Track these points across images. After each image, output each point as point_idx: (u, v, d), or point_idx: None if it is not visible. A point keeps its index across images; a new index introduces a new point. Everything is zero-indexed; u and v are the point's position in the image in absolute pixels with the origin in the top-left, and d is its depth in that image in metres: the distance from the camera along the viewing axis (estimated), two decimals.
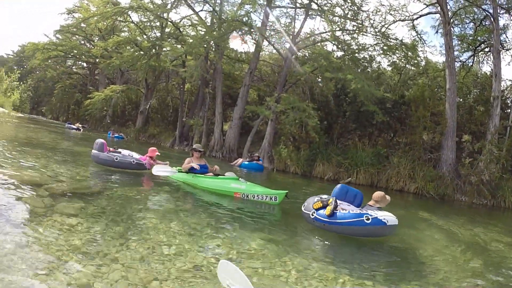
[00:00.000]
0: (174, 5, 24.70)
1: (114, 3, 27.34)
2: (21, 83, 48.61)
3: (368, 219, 4.52)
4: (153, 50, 25.01)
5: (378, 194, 5.09)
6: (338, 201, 5.03)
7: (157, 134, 27.79)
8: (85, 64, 41.48)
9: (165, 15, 25.87)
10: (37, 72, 46.78)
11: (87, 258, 2.95)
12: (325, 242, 4.67)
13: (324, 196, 5.21)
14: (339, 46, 18.54)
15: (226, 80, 22.09)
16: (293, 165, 15.99)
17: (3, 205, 3.97)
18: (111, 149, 8.73)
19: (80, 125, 28.48)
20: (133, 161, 8.12)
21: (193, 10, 24.14)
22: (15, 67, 52.67)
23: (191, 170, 7.49)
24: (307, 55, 19.95)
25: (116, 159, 8.04)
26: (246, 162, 14.95)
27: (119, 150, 8.95)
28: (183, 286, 2.76)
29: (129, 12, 26.49)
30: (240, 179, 7.10)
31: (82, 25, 32.71)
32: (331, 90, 17.31)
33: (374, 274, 3.62)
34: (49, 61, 39.19)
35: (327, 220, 4.79)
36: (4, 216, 3.60)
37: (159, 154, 9.08)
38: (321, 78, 18.10)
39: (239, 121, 19.56)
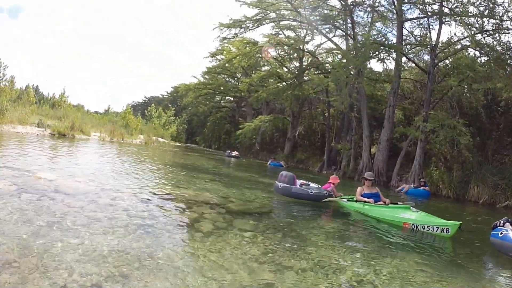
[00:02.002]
0: (309, 38, 29.30)
1: (253, 43, 33.54)
2: (177, 117, 60.66)
3: None
4: (296, 80, 29.83)
5: None
6: None
7: (305, 159, 32.96)
8: (231, 98, 50.28)
9: (301, 46, 30.49)
10: (190, 108, 58.39)
11: (265, 264, 3.96)
12: None
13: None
14: (482, 51, 18.99)
15: (369, 102, 25.29)
16: (445, 188, 16.84)
17: (193, 219, 5.47)
18: (302, 182, 9.68)
19: (237, 153, 35.41)
20: (326, 193, 9.08)
21: (327, 37, 28.33)
22: (169, 105, 66.02)
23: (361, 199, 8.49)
24: (449, 65, 21.13)
25: (311, 192, 8.97)
26: (412, 188, 15.95)
27: (308, 182, 9.80)
28: None
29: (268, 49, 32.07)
30: (411, 208, 7.49)
31: (226, 65, 40.33)
32: (480, 102, 18.31)
33: None
34: (200, 98, 49.24)
35: None
36: (195, 228, 5.03)
37: (339, 181, 10.03)
38: (468, 90, 19.15)
39: (387, 143, 22.23)
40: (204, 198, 7.39)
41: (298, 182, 9.44)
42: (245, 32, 34.25)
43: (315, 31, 29.25)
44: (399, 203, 8.14)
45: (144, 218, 5.08)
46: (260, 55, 34.15)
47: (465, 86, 19.17)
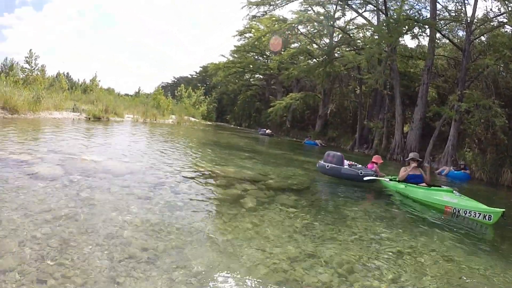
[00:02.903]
0: (339, 14, 29.06)
1: (282, 20, 33.57)
2: (207, 96, 61.64)
3: None
4: (327, 58, 29.87)
5: None
6: None
7: (336, 137, 33.42)
8: (261, 76, 50.57)
9: (331, 22, 30.35)
10: (219, 87, 59.15)
11: (309, 237, 4.34)
12: None
13: None
14: None
15: (402, 79, 25.18)
16: (478, 171, 16.74)
17: (237, 195, 5.89)
18: (349, 162, 9.63)
19: (270, 131, 36.24)
20: (373, 174, 9.12)
21: (357, 12, 28.06)
22: (199, 84, 66.87)
23: (405, 180, 8.39)
24: (484, 42, 20.67)
25: (361, 173, 9.00)
26: (454, 171, 15.82)
27: (355, 163, 9.78)
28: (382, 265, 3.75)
29: (298, 26, 32.03)
30: (454, 191, 7.38)
31: (255, 43, 40.54)
32: None
33: None
34: (229, 76, 49.84)
35: None
36: (239, 204, 5.44)
37: (382, 162, 10.06)
38: (505, 69, 18.79)
39: (420, 122, 22.34)
40: (244, 175, 7.77)
41: (346, 162, 9.42)
42: (274, 10, 34.40)
43: (345, 6, 29.01)
44: (442, 186, 8.03)
45: (190, 194, 5.50)
46: (290, 32, 34.13)
47: (501, 65, 18.70)
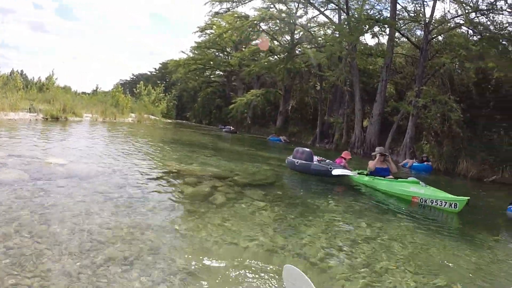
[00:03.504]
0: (302, 12, 29.38)
1: (244, 17, 33.44)
2: (166, 94, 60.40)
3: None
4: (288, 55, 30.04)
5: None
6: None
7: (297, 133, 33.66)
8: (221, 73, 50.08)
9: (292, 20, 30.59)
10: (179, 84, 58.01)
11: (280, 229, 4.53)
12: None
13: None
14: (475, 30, 19.64)
15: (361, 76, 25.83)
16: (435, 162, 17.52)
17: (205, 193, 5.93)
18: (318, 158, 9.71)
19: (233, 128, 36.12)
20: (345, 169, 9.23)
21: (319, 11, 28.44)
22: (158, 82, 65.40)
23: (372, 173, 8.62)
24: (441, 41, 21.69)
25: (330, 168, 9.03)
26: (416, 163, 16.40)
27: (324, 158, 9.90)
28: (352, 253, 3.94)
29: (260, 23, 32.00)
30: (420, 182, 7.58)
31: (216, 39, 40.19)
32: (471, 79, 19.05)
33: None
34: (189, 73, 49.09)
35: None
36: (209, 201, 5.46)
37: (350, 158, 10.32)
38: (460, 67, 19.79)
39: (379, 117, 22.99)
40: (210, 173, 7.77)
41: (315, 158, 9.48)
42: (237, 7, 34.20)
43: (307, 4, 29.28)
44: (409, 178, 8.19)
45: (159, 194, 5.49)
46: (251, 29, 33.98)
47: (457, 63, 19.76)
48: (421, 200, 7.08)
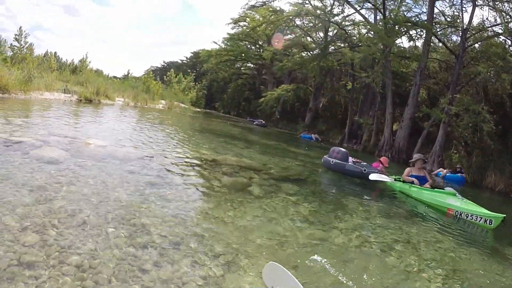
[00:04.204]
0: (338, 10, 29.28)
1: (279, 11, 33.54)
2: (196, 83, 61.28)
3: None
4: (322, 52, 30.06)
5: None
6: None
7: (325, 131, 33.66)
8: (252, 65, 50.52)
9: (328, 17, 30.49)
10: (210, 74, 58.79)
11: (314, 224, 4.74)
12: None
13: None
14: None
15: (394, 78, 25.54)
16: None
17: (243, 184, 6.26)
18: (353, 159, 9.86)
19: (264, 122, 36.87)
20: (377, 172, 9.28)
21: (355, 9, 28.30)
22: (189, 70, 66.33)
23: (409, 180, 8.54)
24: (477, 49, 21.14)
25: (364, 170, 9.22)
26: (449, 174, 15.87)
27: (360, 160, 10.04)
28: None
29: (295, 18, 32.08)
30: (457, 194, 7.46)
31: (249, 32, 40.54)
32: (506, 90, 18.72)
33: None
34: (220, 64, 49.66)
35: None
36: (247, 192, 5.83)
37: (387, 166, 10.23)
38: (496, 77, 19.36)
39: (409, 122, 22.73)
40: (244, 164, 8.16)
41: (350, 159, 9.66)
42: (273, 1, 34.34)
43: (344, 2, 29.12)
44: (446, 188, 8.02)
45: (199, 181, 5.81)
46: (286, 24, 34.13)
47: (492, 73, 19.33)
48: (457, 212, 7.01)
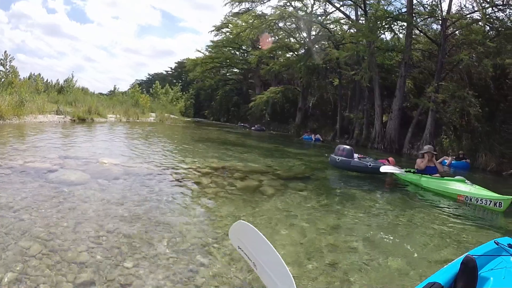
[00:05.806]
0: (322, 11, 30.01)
1: (261, 16, 34.08)
2: (184, 93, 61.54)
3: None
4: (306, 52, 30.66)
5: None
6: None
7: (317, 129, 33.97)
8: (238, 70, 51.14)
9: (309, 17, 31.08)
10: (196, 82, 59.23)
11: (327, 212, 5.36)
12: None
13: None
14: (492, 25, 19.74)
15: (380, 71, 26.16)
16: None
17: (255, 185, 6.77)
18: (359, 155, 10.09)
19: (261, 126, 37.52)
20: (383, 165, 9.49)
21: (335, 7, 28.81)
22: (174, 81, 66.70)
23: (419, 171, 8.79)
24: (457, 35, 21.82)
25: (370, 165, 9.50)
26: (454, 161, 16.12)
27: (365, 156, 10.26)
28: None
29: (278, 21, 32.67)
30: (466, 181, 7.69)
31: (232, 37, 41.07)
32: (489, 74, 19.26)
33: None
34: (206, 72, 50.23)
35: None
36: (260, 192, 6.32)
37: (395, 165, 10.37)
38: (478, 63, 19.94)
39: (398, 112, 23.42)
40: (251, 168, 8.63)
41: (355, 155, 9.91)
42: (256, 6, 34.91)
43: (328, 4, 29.79)
44: (456, 176, 8.28)
45: (215, 187, 6.21)
46: (269, 28, 34.63)
47: (475, 59, 19.96)
48: (467, 198, 7.17)
